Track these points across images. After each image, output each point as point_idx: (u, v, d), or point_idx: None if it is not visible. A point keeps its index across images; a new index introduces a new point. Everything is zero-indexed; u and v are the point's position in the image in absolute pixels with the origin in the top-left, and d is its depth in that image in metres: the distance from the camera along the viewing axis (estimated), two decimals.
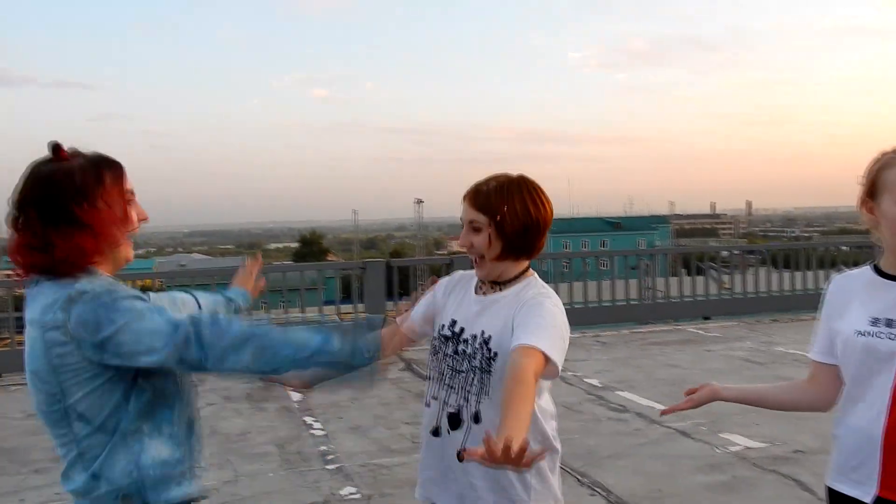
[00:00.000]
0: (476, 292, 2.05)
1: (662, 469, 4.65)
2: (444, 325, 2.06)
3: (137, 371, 1.54)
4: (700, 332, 9.61)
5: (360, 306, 9.92)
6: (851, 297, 1.86)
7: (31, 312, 1.55)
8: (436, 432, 2.02)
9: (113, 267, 1.64)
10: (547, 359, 1.76)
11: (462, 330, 2.00)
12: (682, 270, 12.28)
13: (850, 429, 1.84)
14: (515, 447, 1.41)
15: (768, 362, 7.51)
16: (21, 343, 8.77)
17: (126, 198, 1.62)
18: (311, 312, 9.97)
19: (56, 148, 1.59)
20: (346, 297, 11.27)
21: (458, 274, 2.16)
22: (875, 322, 1.78)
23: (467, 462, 1.91)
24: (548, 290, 2.01)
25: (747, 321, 10.38)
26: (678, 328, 9.98)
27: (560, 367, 1.83)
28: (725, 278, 12.24)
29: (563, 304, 2.02)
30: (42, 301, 1.53)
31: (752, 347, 8.36)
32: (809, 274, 11.40)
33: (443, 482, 2.02)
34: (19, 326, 9.32)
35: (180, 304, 2.01)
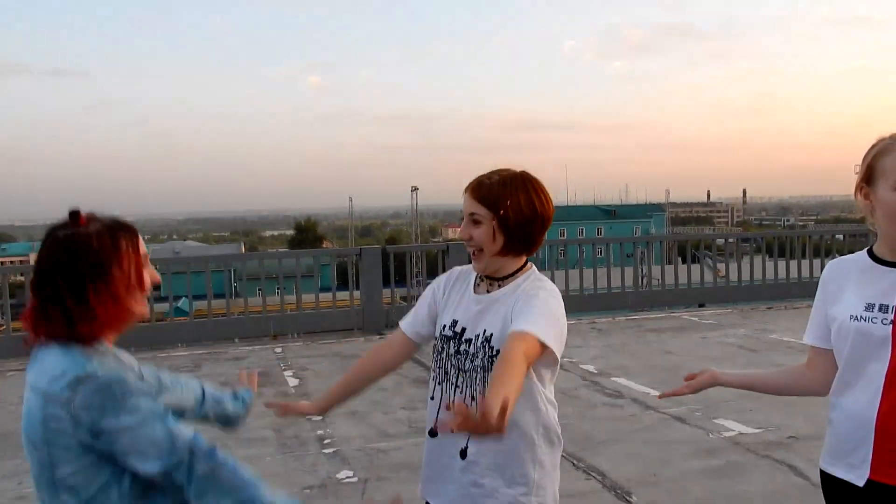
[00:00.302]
0: (476, 290, 2.04)
1: (657, 454, 4.69)
2: (445, 325, 2.06)
3: None
4: (695, 319, 9.66)
5: (357, 293, 9.92)
6: (846, 282, 1.88)
7: (35, 377, 1.53)
8: (432, 433, 2.03)
9: (125, 326, 1.64)
10: (541, 344, 1.77)
11: (463, 330, 2.00)
12: (678, 258, 12.32)
13: (843, 413, 1.86)
14: (494, 412, 1.42)
15: (762, 349, 7.56)
16: (16, 330, 8.80)
17: (140, 263, 1.63)
18: (308, 300, 9.98)
19: (74, 216, 1.59)
20: (342, 283, 11.27)
21: (457, 270, 2.15)
22: (869, 307, 1.80)
23: (470, 460, 1.94)
24: (545, 281, 2.01)
25: (742, 309, 10.43)
26: (673, 315, 10.03)
27: (559, 353, 1.84)
28: (720, 266, 12.28)
29: (559, 291, 2.03)
30: (49, 369, 1.51)
31: (746, 335, 8.41)
32: (804, 262, 11.45)
33: (439, 481, 2.03)
34: (14, 314, 9.31)
35: (185, 389, 1.95)
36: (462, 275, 2.12)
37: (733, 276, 11.36)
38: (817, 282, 1.99)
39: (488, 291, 2.02)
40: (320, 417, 5.64)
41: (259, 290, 12.67)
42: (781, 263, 11.54)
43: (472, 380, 1.97)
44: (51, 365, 1.52)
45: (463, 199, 1.98)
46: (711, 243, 17.27)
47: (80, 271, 1.54)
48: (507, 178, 1.95)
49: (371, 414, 5.70)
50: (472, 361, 1.97)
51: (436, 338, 2.09)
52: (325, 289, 12.58)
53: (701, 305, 10.91)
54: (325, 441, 5.10)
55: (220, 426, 2.01)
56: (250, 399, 2.12)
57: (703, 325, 9.21)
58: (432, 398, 2.06)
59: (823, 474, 1.93)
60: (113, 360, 1.57)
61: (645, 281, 11.70)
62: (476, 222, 1.95)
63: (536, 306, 1.87)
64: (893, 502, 1.77)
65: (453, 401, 1.92)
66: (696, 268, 11.27)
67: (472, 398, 1.93)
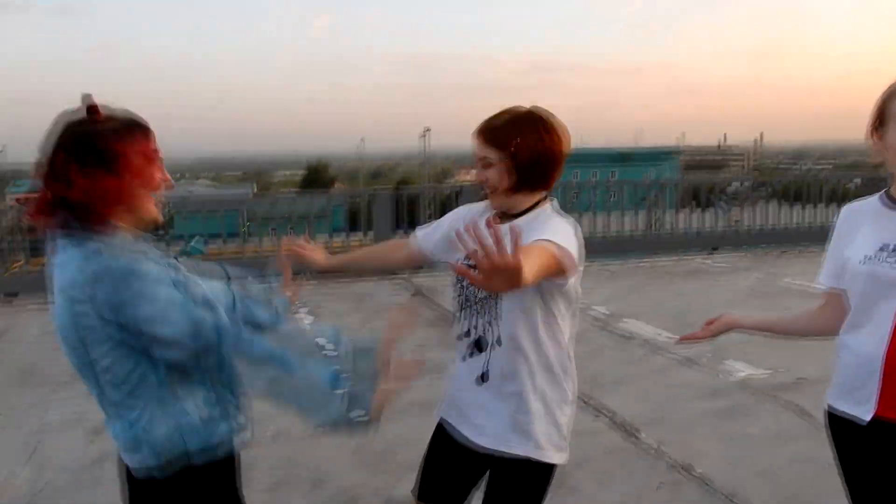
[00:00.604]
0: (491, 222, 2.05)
1: (665, 395, 4.76)
2: (462, 257, 2.08)
3: None
4: (707, 263, 9.66)
5: (369, 235, 9.97)
6: (860, 225, 1.90)
7: (59, 281, 1.56)
8: (463, 357, 2.10)
9: (135, 225, 1.63)
10: (557, 246, 1.78)
11: None
12: (692, 203, 12.26)
13: (852, 352, 1.89)
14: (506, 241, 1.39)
15: (774, 294, 7.57)
16: (34, 265, 8.92)
17: (151, 160, 1.63)
18: (321, 241, 10.05)
19: (91, 109, 1.60)
20: (354, 225, 11.32)
21: (482, 205, 2.17)
22: (882, 249, 1.82)
23: (484, 389, 2.01)
24: (563, 214, 2.03)
25: (755, 254, 10.42)
26: (685, 260, 10.02)
27: (575, 261, 1.85)
28: (734, 211, 12.22)
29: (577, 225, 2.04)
30: (69, 270, 1.53)
31: (758, 279, 8.42)
32: (819, 208, 11.36)
33: (459, 410, 2.11)
34: (32, 249, 9.43)
35: (208, 276, 1.94)
36: (485, 209, 2.13)
37: (747, 222, 11.31)
38: (832, 227, 2.00)
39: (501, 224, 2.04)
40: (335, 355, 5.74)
41: (272, 229, 12.73)
42: (796, 209, 11.47)
43: (487, 308, 2.02)
44: (69, 265, 1.53)
45: (475, 143, 2.00)
46: (725, 188, 17.18)
47: (93, 161, 1.54)
48: (515, 117, 1.96)
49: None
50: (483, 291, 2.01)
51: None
52: (337, 230, 12.63)
53: (713, 250, 10.90)
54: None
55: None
56: (284, 310, 2.09)
57: (714, 269, 9.22)
58: (458, 334, 2.11)
59: (829, 411, 1.97)
60: (130, 250, 1.56)
61: (657, 225, 11.67)
62: (487, 165, 1.97)
63: (550, 227, 1.90)
64: None
65: (484, 333, 2.00)
66: (709, 213, 11.20)
67: (492, 323, 2.00)
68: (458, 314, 2.12)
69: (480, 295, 2.03)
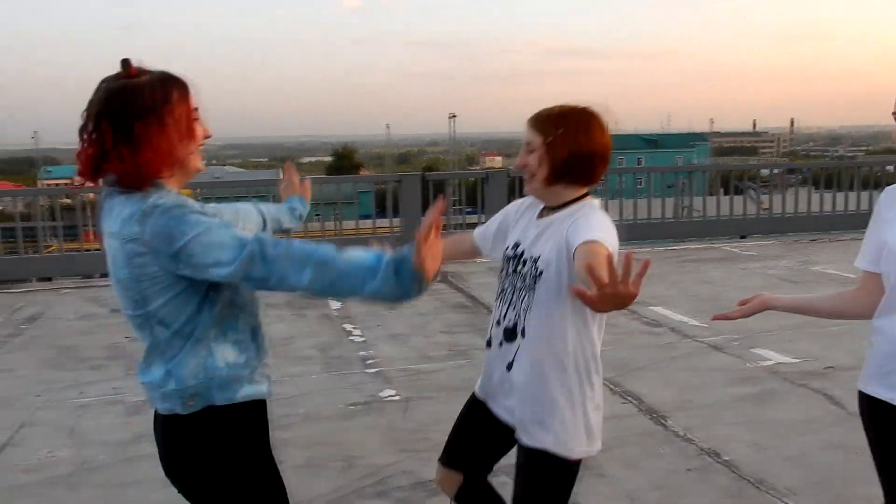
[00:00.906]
0: (538, 217, 2.12)
1: (693, 381, 4.76)
2: (508, 246, 2.18)
3: (210, 283, 1.63)
4: (736, 250, 9.57)
5: (396, 220, 10.01)
6: None
7: (109, 225, 1.63)
8: (489, 343, 2.18)
9: (182, 178, 1.70)
10: (607, 248, 1.82)
11: (522, 252, 2.10)
12: (720, 189, 12.15)
13: (886, 336, 1.89)
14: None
15: (804, 281, 7.50)
16: (68, 250, 9.10)
17: (191, 114, 1.67)
18: (348, 227, 10.12)
19: (126, 64, 1.64)
20: (381, 211, 11.36)
21: (527, 200, 2.22)
22: None
23: (513, 377, 2.06)
24: (601, 211, 2.05)
25: (785, 241, 10.30)
26: (714, 246, 9.95)
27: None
28: (764, 198, 12.07)
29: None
30: (119, 214, 1.61)
31: (788, 266, 8.33)
32: (851, 194, 11.19)
33: (491, 392, 2.18)
34: (66, 235, 9.62)
35: (244, 216, 2.09)
36: (533, 203, 2.18)
37: (777, 209, 11.18)
38: (865, 214, 2.01)
39: (545, 217, 2.09)
40: (363, 340, 5.82)
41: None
42: (828, 196, 11.30)
43: (521, 298, 2.06)
44: (119, 210, 1.61)
45: (525, 127, 2.07)
46: (756, 174, 16.95)
47: (132, 117, 1.59)
48: (565, 111, 2.02)
49: (412, 337, 5.84)
50: (523, 281, 2.06)
51: (502, 258, 2.20)
52: (364, 216, 12.70)
53: (742, 237, 10.79)
54: (368, 361, 5.26)
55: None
56: (304, 210, 2.28)
57: (743, 256, 9.14)
58: (495, 307, 2.18)
59: (862, 395, 1.97)
60: (174, 195, 1.64)
61: (686, 212, 11.57)
62: (531, 150, 2.03)
63: (595, 224, 1.93)
64: None
65: (515, 325, 2.06)
66: (738, 199, 11.08)
67: (521, 315, 2.04)
68: (496, 301, 2.18)
69: (518, 285, 2.08)
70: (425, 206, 10.49)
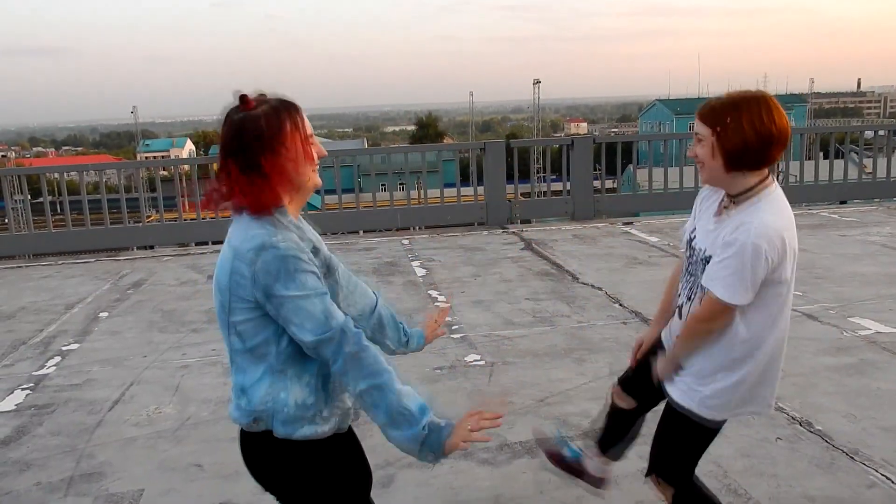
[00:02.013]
0: (718, 211, 2.19)
1: (787, 350, 4.61)
2: (687, 231, 2.33)
3: None
4: (835, 216, 9.16)
5: (480, 188, 10.03)
6: None
7: (232, 234, 1.77)
8: (680, 315, 2.34)
9: (303, 198, 1.83)
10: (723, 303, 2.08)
11: (697, 242, 2.24)
12: (819, 153, 11.59)
13: None
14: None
15: None
16: (168, 219, 9.55)
17: (307, 139, 1.78)
18: (433, 195, 10.20)
19: (243, 98, 1.75)
20: (465, 179, 11.38)
21: (709, 189, 2.30)
22: None
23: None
24: (769, 206, 2.08)
25: (888, 206, 9.78)
26: (811, 212, 9.55)
27: (743, 301, 2.07)
28: (867, 161, 11.44)
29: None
30: (243, 231, 1.74)
31: (891, 233, 7.92)
32: None
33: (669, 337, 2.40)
34: (167, 206, 10.09)
35: (356, 292, 2.04)
36: (712, 192, 2.26)
37: (881, 173, 10.59)
38: None
39: (723, 213, 2.17)
40: (447, 306, 5.90)
41: (382, 185, 13.00)
42: None
43: (691, 282, 2.26)
44: (245, 228, 1.74)
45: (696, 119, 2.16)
46: (858, 136, 16.03)
47: (254, 149, 1.72)
48: (735, 99, 2.05)
49: (496, 304, 5.90)
50: (695, 266, 2.23)
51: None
52: (448, 184, 12.76)
53: (842, 202, 10.30)
54: (454, 327, 5.35)
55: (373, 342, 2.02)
56: (417, 346, 2.20)
57: (842, 222, 8.74)
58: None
59: None
60: (296, 233, 1.76)
61: (781, 177, 11.11)
62: (699, 140, 2.09)
63: (728, 258, 2.05)
64: None
65: (682, 305, 2.30)
66: (839, 163, 10.56)
67: (689, 298, 2.26)
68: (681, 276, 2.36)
69: (694, 259, 2.23)
70: (509, 175, 10.47)
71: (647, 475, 2.46)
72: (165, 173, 17.21)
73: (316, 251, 1.80)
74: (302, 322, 1.68)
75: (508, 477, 3.27)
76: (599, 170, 10.38)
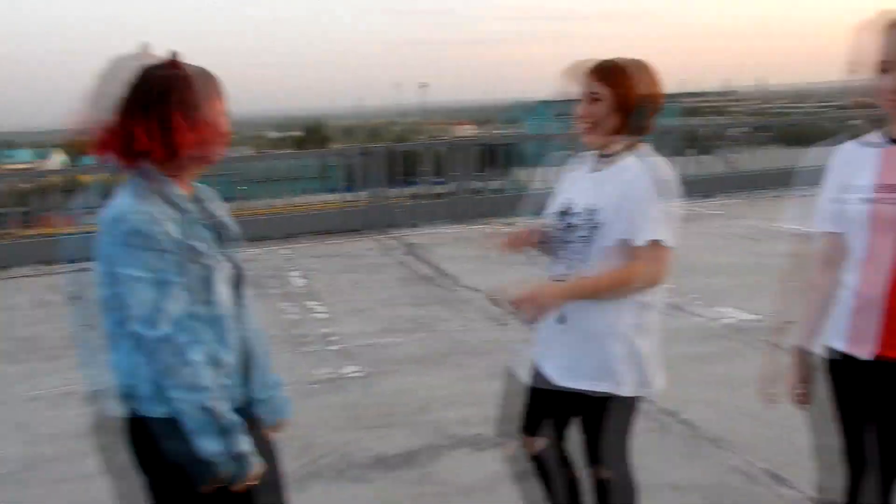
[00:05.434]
0: (593, 169, 2.17)
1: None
2: (557, 204, 2.23)
3: None
4: (700, 209, 9.60)
5: (363, 194, 9.92)
6: (857, 165, 1.89)
7: (108, 207, 1.67)
8: None
9: (197, 168, 1.74)
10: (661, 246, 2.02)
11: (573, 206, 2.16)
12: (686, 149, 12.17)
13: (852, 291, 1.88)
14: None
15: (766, 238, 7.55)
16: (27, 237, 8.89)
17: (223, 109, 1.74)
18: (315, 200, 10.01)
19: (173, 55, 1.70)
20: (351, 185, 11.25)
21: (577, 157, 2.28)
22: (879, 188, 1.81)
23: (571, 330, 2.12)
24: (653, 160, 2.09)
25: (751, 198, 10.36)
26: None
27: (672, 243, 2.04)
28: (732, 156, 12.10)
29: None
30: (111, 203, 1.66)
31: (751, 224, 8.38)
32: (821, 149, 11.25)
33: (545, 350, 2.22)
34: (23, 221, 9.42)
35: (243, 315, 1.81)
36: (576, 160, 2.26)
37: (746, 166, 11.22)
38: (826, 170, 1.98)
39: (598, 170, 2.14)
40: (327, 316, 5.76)
41: (265, 192, 12.66)
42: (797, 152, 11.35)
43: (573, 251, 2.13)
44: (115, 199, 1.66)
45: (580, 81, 2.11)
46: (724, 133, 17.00)
47: (174, 104, 1.65)
48: (630, 62, 2.10)
49: (377, 311, 5.80)
50: (575, 233, 2.12)
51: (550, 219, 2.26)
52: (333, 190, 12.59)
53: (706, 196, 10.84)
54: (331, 338, 5.21)
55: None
56: (275, 410, 1.90)
57: (707, 214, 9.17)
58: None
59: (828, 350, 1.97)
60: (166, 208, 1.64)
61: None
62: (595, 100, 2.08)
63: (652, 198, 2.01)
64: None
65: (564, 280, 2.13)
66: (707, 159, 11.11)
67: (573, 267, 2.12)
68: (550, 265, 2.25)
69: (569, 239, 2.14)
70: (392, 179, 10.41)
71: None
72: (29, 186, 16.11)
73: (211, 229, 1.71)
74: (130, 308, 1.59)
75: (384, 494, 3.17)
76: (486, 171, 10.50)
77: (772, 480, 3.08)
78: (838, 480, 1.99)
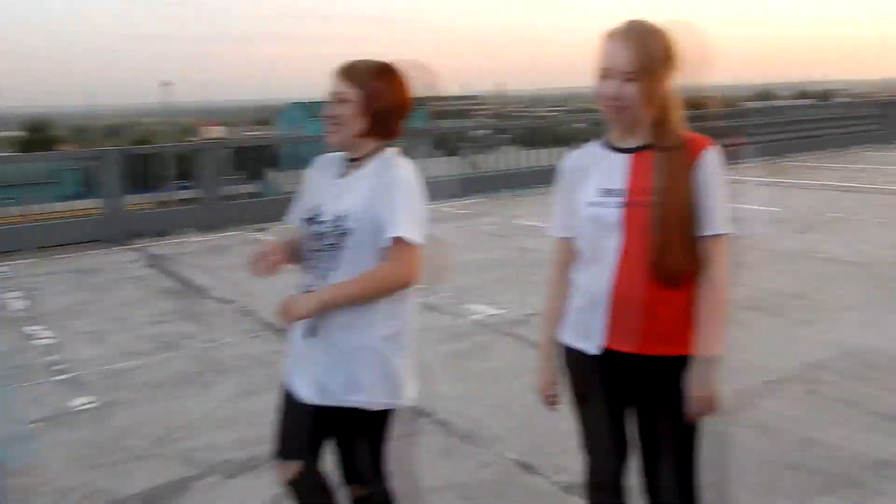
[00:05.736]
0: (341, 175, 2.11)
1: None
2: (305, 211, 2.14)
3: None
4: (449, 209, 10.00)
5: (98, 201, 9.01)
6: (583, 171, 1.99)
7: None
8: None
9: None
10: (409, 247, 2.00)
11: (321, 213, 2.08)
12: (436, 151, 12.64)
13: (581, 290, 1.99)
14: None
15: (511, 234, 8.04)
16: None
17: None
18: (42, 209, 8.90)
19: None
20: (85, 192, 10.19)
21: (324, 159, 2.20)
22: (604, 192, 1.92)
23: (321, 345, 2.05)
24: (402, 162, 2.07)
25: (494, 197, 10.99)
26: (428, 207, 10.29)
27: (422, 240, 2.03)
28: (477, 158, 12.76)
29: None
30: None
31: (495, 222, 8.88)
32: (555, 151, 12.24)
33: (296, 367, 2.13)
34: None
35: None
36: (325, 163, 2.19)
37: (489, 167, 11.88)
38: (558, 177, 2.06)
39: (348, 173, 2.09)
40: (53, 342, 5.12)
41: None
42: (534, 153, 12.24)
43: (323, 259, 2.05)
44: None
45: (332, 80, 2.07)
46: (469, 134, 17.93)
47: None
48: (380, 64, 2.08)
49: (113, 333, 5.27)
50: (324, 240, 2.05)
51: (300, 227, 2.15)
52: (66, 197, 11.36)
53: (453, 196, 11.33)
54: (58, 367, 4.63)
55: None
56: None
57: (454, 214, 9.57)
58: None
59: (563, 346, 2.06)
60: None
61: None
62: (343, 100, 2.04)
63: (400, 199, 2.00)
64: (624, 367, 1.94)
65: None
66: (455, 160, 11.61)
67: (328, 276, 2.04)
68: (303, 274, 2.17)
69: (317, 248, 2.07)
70: (133, 185, 9.58)
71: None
72: None
73: None
74: None
75: None
76: (239, 175, 10.07)
77: (522, 471, 3.22)
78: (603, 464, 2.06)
